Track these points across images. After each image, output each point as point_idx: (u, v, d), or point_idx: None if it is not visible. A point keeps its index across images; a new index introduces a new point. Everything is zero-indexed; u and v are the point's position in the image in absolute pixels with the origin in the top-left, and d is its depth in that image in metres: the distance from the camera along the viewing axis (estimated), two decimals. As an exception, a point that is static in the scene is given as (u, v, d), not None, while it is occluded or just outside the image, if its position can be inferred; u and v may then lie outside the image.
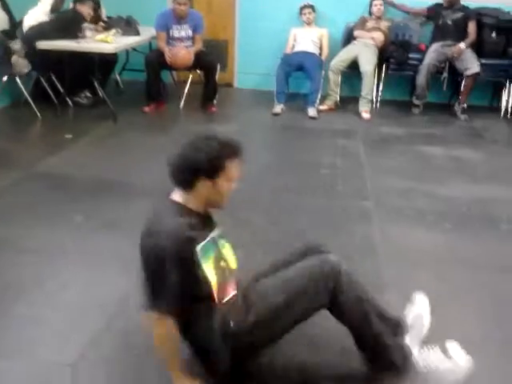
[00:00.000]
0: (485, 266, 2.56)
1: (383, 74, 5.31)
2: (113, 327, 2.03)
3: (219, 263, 1.67)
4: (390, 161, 3.96)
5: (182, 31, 4.87)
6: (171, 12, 4.86)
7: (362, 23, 5.30)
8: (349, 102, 5.26)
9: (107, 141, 4.09)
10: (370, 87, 5.08)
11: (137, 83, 5.18)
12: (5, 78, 4.39)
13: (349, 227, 2.87)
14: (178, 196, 1.71)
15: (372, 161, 3.92)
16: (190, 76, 5.07)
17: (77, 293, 2.20)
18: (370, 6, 5.27)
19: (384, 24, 5.26)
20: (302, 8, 5.34)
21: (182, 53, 4.75)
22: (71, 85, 4.84)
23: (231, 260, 1.75)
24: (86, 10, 4.77)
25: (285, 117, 4.93)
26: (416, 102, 5.24)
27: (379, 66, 5.22)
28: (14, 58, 4.40)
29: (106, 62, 4.90)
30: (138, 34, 4.99)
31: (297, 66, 5.12)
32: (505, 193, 3.44)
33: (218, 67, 4.99)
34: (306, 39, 5.25)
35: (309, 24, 5.31)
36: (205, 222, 1.71)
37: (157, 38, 4.94)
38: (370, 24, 5.26)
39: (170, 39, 4.87)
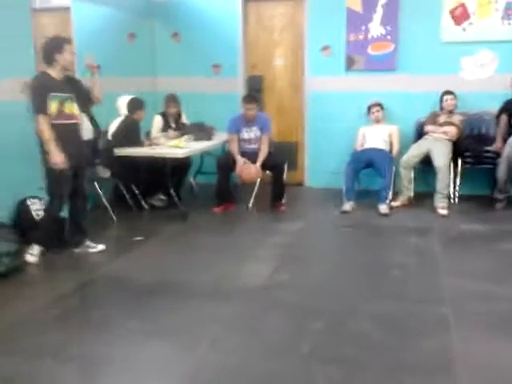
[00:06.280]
0: None
1: (459, 169, 5.10)
2: None
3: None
4: (470, 261, 3.64)
5: (251, 133, 5.05)
6: (241, 116, 5.09)
7: (432, 118, 5.21)
8: (423, 198, 5.04)
9: (174, 241, 4.15)
10: (446, 182, 4.86)
11: (210, 186, 5.32)
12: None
13: (422, 337, 2.57)
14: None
15: (449, 261, 3.62)
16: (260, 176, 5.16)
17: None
18: (441, 101, 5.20)
19: (456, 118, 5.14)
20: (370, 107, 5.39)
21: (249, 171, 4.88)
22: (146, 188, 5.08)
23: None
24: (170, 109, 5.29)
25: (354, 214, 4.79)
26: (498, 196, 4.91)
27: (454, 160, 5.04)
28: (98, 168, 4.73)
29: (180, 165, 5.12)
30: (210, 138, 5.23)
31: (366, 163, 5.06)
32: None
33: (286, 167, 5.05)
34: (376, 136, 5.22)
35: (378, 122, 5.31)
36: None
37: (228, 140, 5.14)
38: (441, 118, 5.16)
39: (241, 141, 5.06)
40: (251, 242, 4.10)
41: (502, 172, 4.85)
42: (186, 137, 5.07)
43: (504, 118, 5.05)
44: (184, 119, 5.51)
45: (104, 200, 4.69)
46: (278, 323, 2.76)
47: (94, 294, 3.21)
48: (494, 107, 5.14)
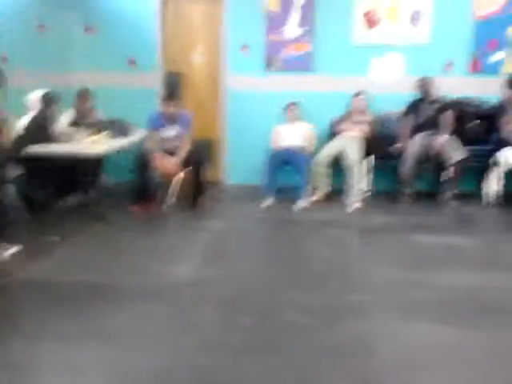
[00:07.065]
0: (491, 358, 2.41)
1: (370, 165, 5.41)
2: None
3: None
4: (383, 251, 3.90)
5: (172, 131, 5.00)
6: (161, 113, 5.03)
7: (346, 117, 5.48)
8: (338, 193, 5.29)
9: (96, 243, 4.02)
10: (359, 178, 5.14)
11: (127, 184, 5.21)
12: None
13: (342, 323, 2.73)
14: None
15: (364, 251, 3.85)
16: (180, 174, 5.13)
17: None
18: (353, 101, 5.47)
19: (367, 117, 5.43)
20: (287, 106, 5.53)
21: (168, 164, 4.87)
22: (60, 187, 4.86)
23: None
24: (83, 104, 5.15)
25: (274, 210, 4.93)
26: (404, 191, 5.28)
27: (365, 157, 5.33)
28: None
29: (96, 163, 4.97)
30: (128, 135, 5.11)
31: (284, 161, 5.21)
32: (504, 279, 3.34)
33: (207, 165, 5.07)
34: (292, 135, 5.38)
35: (294, 121, 5.47)
36: None
37: (147, 137, 5.05)
38: (354, 118, 5.43)
39: (160, 138, 4.99)
40: (175, 241, 4.09)
41: (408, 168, 5.21)
42: (103, 133, 4.93)
43: (408, 118, 5.42)
44: (98, 115, 5.34)
45: (16, 200, 4.43)
46: (209, 319, 2.79)
47: (16, 300, 3.05)
48: (401, 108, 5.49)
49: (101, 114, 5.33)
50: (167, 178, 5.03)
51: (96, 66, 5.93)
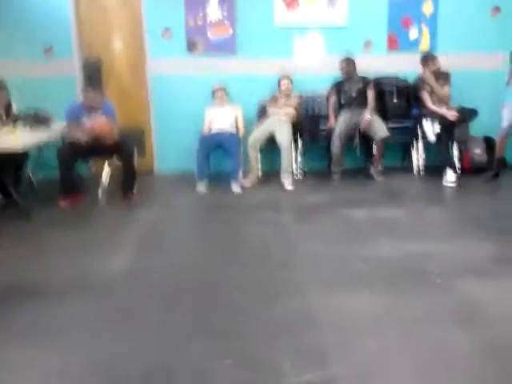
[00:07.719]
0: (429, 320, 2.53)
1: (300, 146, 5.48)
2: None
3: None
4: (317, 228, 3.97)
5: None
6: (82, 103, 4.81)
7: (273, 101, 5.50)
8: (271, 175, 5.34)
9: (21, 242, 3.79)
10: (290, 159, 5.20)
11: (52, 180, 4.95)
12: None
13: (282, 300, 2.75)
14: None
15: (299, 230, 3.91)
16: (107, 166, 4.95)
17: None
18: (279, 85, 5.49)
19: (294, 100, 5.48)
20: (214, 91, 5.46)
21: (100, 123, 4.64)
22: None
23: None
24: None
25: (209, 196, 4.90)
26: (334, 169, 5.40)
27: (295, 139, 5.39)
28: None
29: (16, 159, 4.68)
30: (48, 128, 4.85)
31: (215, 145, 5.17)
32: (429, 247, 3.50)
33: (137, 153, 4.92)
34: (222, 119, 5.35)
35: (223, 104, 5.43)
36: None
37: (67, 128, 4.80)
38: (281, 101, 5.46)
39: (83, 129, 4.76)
40: (107, 234, 3.94)
41: (336, 147, 5.33)
42: (21, 127, 4.65)
43: (333, 98, 5.54)
44: (14, 108, 5.02)
45: None
46: (149, 308, 2.71)
47: None
48: (325, 89, 5.59)
49: (17, 107, 5.02)
50: (102, 139, 4.75)
51: (5, 55, 5.56)
